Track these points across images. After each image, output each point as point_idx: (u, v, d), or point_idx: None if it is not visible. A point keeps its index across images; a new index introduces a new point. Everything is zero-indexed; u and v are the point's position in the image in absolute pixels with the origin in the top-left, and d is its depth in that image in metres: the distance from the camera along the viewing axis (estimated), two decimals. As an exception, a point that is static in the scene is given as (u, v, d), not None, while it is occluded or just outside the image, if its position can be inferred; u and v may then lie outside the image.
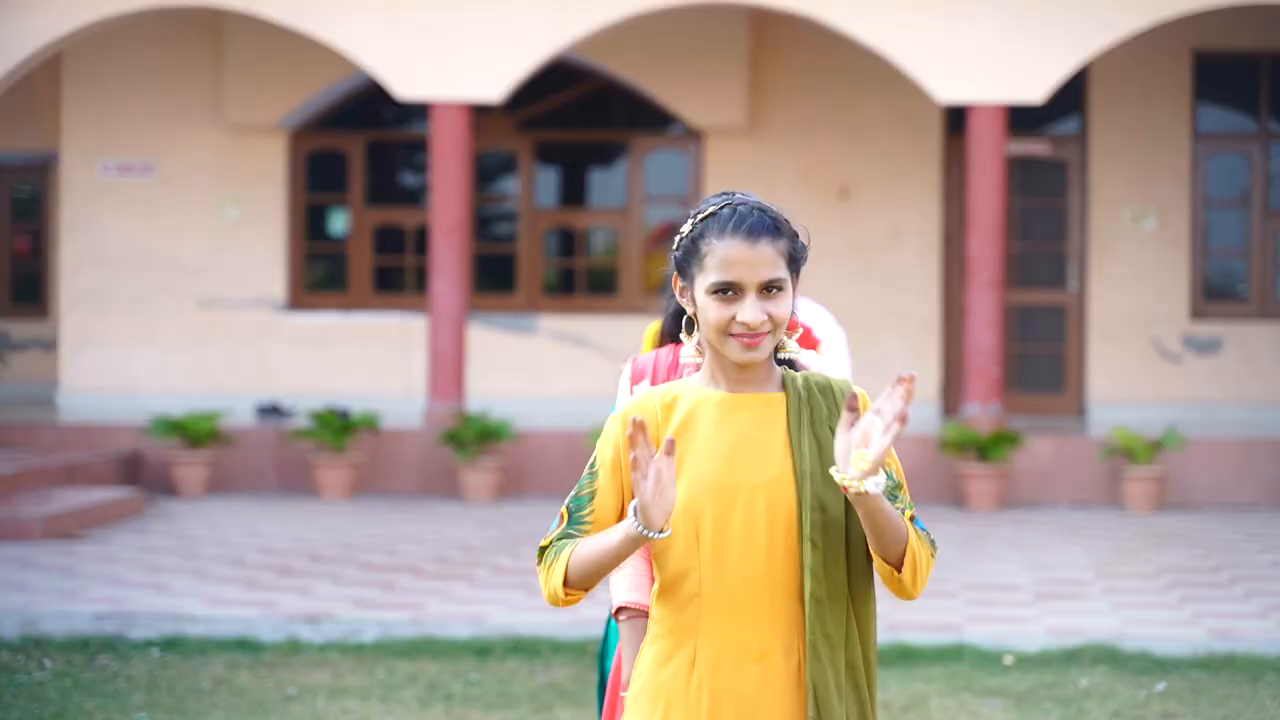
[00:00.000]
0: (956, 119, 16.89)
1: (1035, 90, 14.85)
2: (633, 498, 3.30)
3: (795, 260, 3.37)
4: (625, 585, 4.03)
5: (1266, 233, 17.48)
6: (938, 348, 17.38)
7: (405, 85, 15.21)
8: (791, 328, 4.20)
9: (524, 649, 9.15)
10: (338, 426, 14.92)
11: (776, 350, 3.47)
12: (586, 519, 3.34)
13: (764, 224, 3.34)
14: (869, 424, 3.18)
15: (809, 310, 6.35)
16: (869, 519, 3.20)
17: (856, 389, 3.37)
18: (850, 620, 3.31)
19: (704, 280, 3.32)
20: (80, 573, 11.17)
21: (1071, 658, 9.18)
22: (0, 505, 12.81)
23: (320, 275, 18.12)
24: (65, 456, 14.63)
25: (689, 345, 3.43)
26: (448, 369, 15.15)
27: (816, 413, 3.40)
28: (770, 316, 3.31)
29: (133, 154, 17.56)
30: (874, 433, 3.17)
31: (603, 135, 18.10)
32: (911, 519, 3.31)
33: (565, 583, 3.29)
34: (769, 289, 3.32)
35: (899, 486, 3.34)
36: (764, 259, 3.31)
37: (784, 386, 3.40)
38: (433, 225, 15.23)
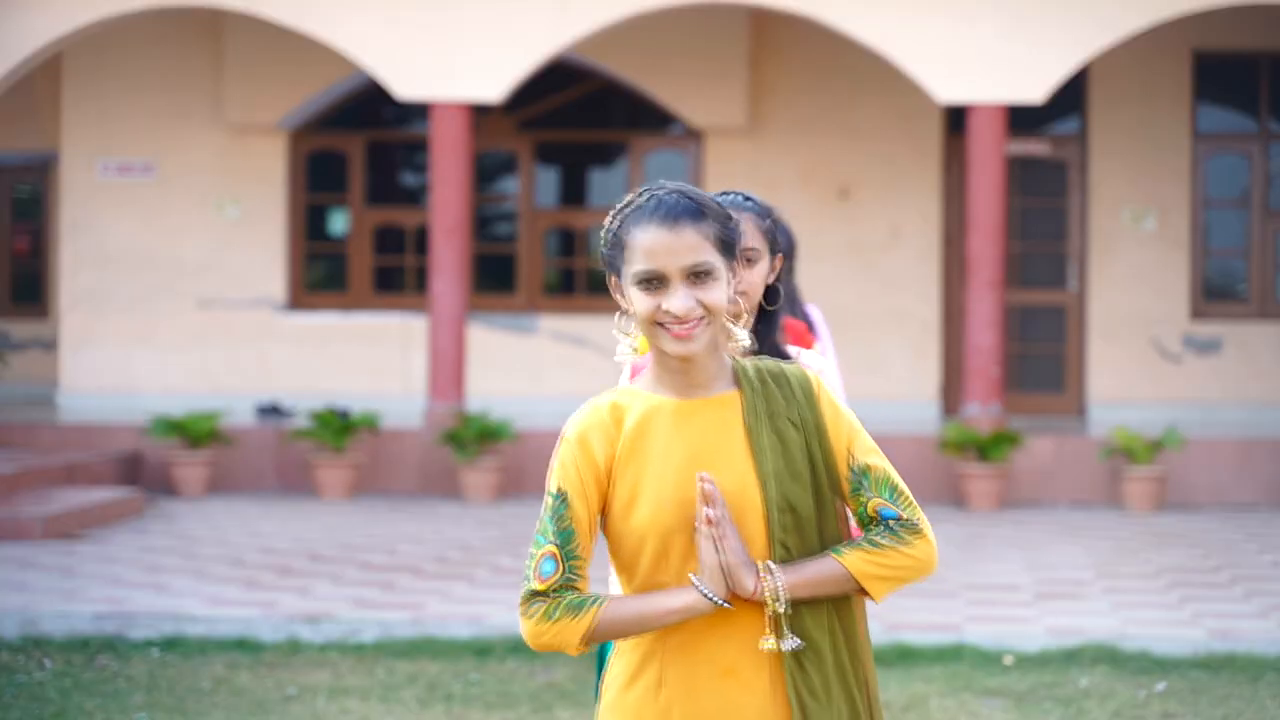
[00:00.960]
0: (956, 119, 16.89)
1: (1035, 90, 14.85)
2: (597, 524, 3.21)
3: (728, 244, 3.21)
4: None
5: (1266, 233, 17.48)
6: (938, 348, 17.38)
7: (405, 85, 15.22)
8: (789, 329, 4.19)
9: (524, 649, 9.14)
10: (338, 426, 14.92)
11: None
12: (577, 555, 3.16)
13: (684, 207, 3.18)
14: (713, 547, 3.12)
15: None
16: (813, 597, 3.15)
17: (811, 374, 3.26)
18: (833, 621, 3.19)
19: (629, 272, 3.18)
20: (80, 573, 11.17)
21: (1071, 658, 9.18)
22: (0, 505, 12.81)
23: (320, 275, 18.12)
24: (65, 456, 14.63)
25: (624, 344, 3.29)
26: (448, 369, 15.15)
27: (773, 405, 3.23)
28: (702, 304, 3.15)
29: (133, 154, 17.56)
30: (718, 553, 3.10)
31: (603, 135, 18.10)
32: (881, 521, 3.20)
33: (589, 638, 3.15)
34: (696, 275, 3.16)
35: (894, 490, 3.22)
36: (687, 244, 3.16)
37: (738, 383, 3.25)
38: (433, 225, 15.23)
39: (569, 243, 18.06)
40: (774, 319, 4.13)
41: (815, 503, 3.20)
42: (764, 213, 4.12)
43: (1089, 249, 17.34)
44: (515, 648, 9.20)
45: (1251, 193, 17.53)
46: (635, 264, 3.17)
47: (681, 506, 3.15)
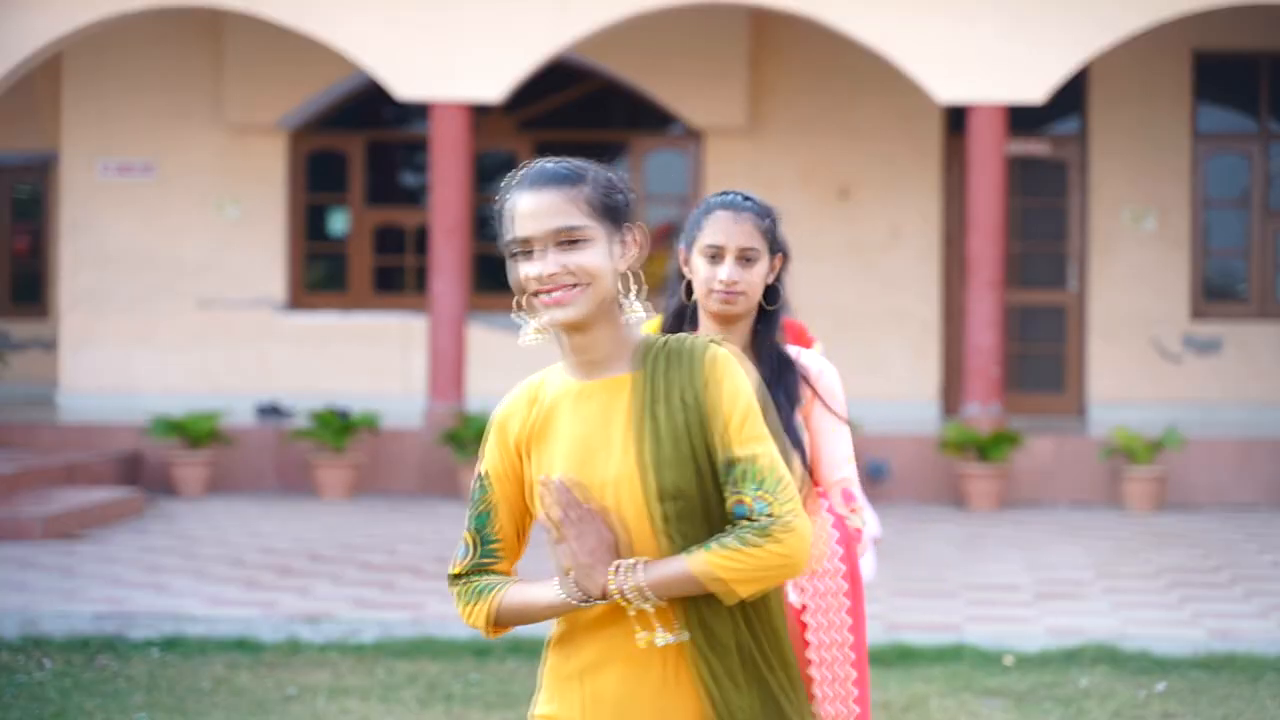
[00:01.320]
0: (956, 119, 16.88)
1: (1035, 90, 14.85)
2: (525, 510, 3.19)
3: (612, 210, 3.10)
4: None
5: (1266, 233, 17.48)
6: (938, 348, 17.38)
7: (405, 85, 15.22)
8: (788, 328, 4.17)
9: (524, 649, 9.14)
10: (338, 426, 14.92)
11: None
12: (494, 538, 3.18)
13: (553, 173, 3.09)
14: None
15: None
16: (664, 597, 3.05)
17: (722, 353, 3.09)
18: (741, 608, 3.07)
19: (506, 245, 3.09)
20: (80, 573, 11.17)
21: (1071, 658, 9.18)
22: (0, 505, 12.81)
23: (320, 275, 18.12)
24: (65, 456, 14.63)
25: (525, 328, 3.18)
26: (448, 369, 15.15)
27: (668, 386, 3.08)
28: (568, 269, 3.04)
29: (133, 154, 17.56)
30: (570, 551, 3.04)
31: (603, 135, 18.10)
32: (737, 519, 3.04)
33: (494, 623, 3.18)
34: (566, 240, 3.04)
35: (761, 483, 3.04)
36: (552, 207, 3.06)
37: (642, 362, 3.12)
38: (433, 225, 15.23)
39: (569, 243, 18.03)
40: (774, 318, 4.12)
41: (710, 488, 3.06)
42: (763, 212, 4.10)
43: (1089, 249, 17.33)
44: (515, 648, 9.20)
45: (1251, 193, 17.53)
46: (508, 233, 3.09)
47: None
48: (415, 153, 18.29)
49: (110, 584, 10.77)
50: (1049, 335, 17.64)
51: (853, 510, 4.03)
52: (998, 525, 13.80)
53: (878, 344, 17.07)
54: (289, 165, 17.75)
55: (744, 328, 4.09)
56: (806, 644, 3.90)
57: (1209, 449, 15.07)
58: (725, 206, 4.08)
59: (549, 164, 3.13)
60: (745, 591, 3.02)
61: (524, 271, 3.07)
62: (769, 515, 3.02)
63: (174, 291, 17.55)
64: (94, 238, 17.52)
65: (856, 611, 3.97)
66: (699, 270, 4.05)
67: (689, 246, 4.10)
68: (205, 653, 9.24)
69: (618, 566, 3.04)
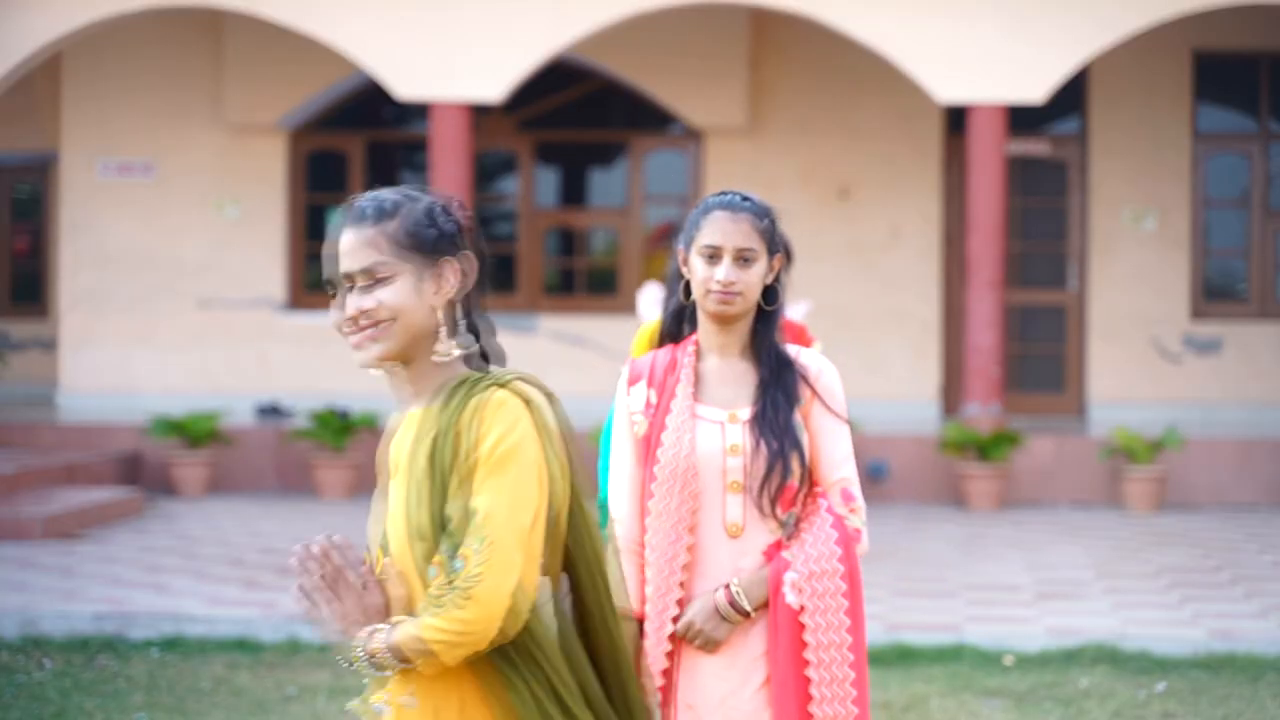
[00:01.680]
0: (956, 119, 16.88)
1: (1035, 90, 14.84)
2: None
3: (422, 244, 3.02)
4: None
5: (1266, 233, 17.48)
6: (938, 348, 17.38)
7: (405, 85, 15.21)
8: (786, 329, 4.17)
9: (524, 649, 9.13)
10: (338, 426, 14.92)
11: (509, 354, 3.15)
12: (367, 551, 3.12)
13: (358, 211, 3.04)
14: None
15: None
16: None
17: (505, 391, 3.00)
18: (524, 646, 2.95)
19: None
20: (80, 573, 11.17)
21: (1071, 658, 9.18)
22: (0, 505, 12.81)
23: (320, 275, 18.07)
24: (65, 456, 14.63)
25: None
26: (448, 369, 15.13)
27: (438, 424, 2.98)
28: (363, 310, 2.99)
29: (133, 154, 17.56)
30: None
31: (603, 135, 18.10)
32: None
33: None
34: (368, 278, 2.99)
35: (460, 546, 2.92)
36: (350, 248, 3.01)
37: (438, 396, 3.04)
38: (433, 225, 15.20)
39: (569, 243, 18.06)
40: (773, 319, 4.12)
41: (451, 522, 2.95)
42: (762, 213, 4.08)
43: (1089, 249, 17.33)
44: (515, 648, 9.19)
45: (1251, 193, 17.52)
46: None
47: (378, 523, 3.09)
48: (415, 153, 18.29)
49: (110, 584, 10.76)
50: (1049, 335, 17.63)
51: (852, 510, 4.03)
52: (998, 525, 13.80)
53: (878, 344, 17.06)
54: (289, 165, 17.75)
55: (743, 328, 4.08)
56: (804, 645, 3.90)
57: (1209, 449, 15.07)
58: (723, 207, 4.07)
59: (360, 201, 3.06)
60: (450, 659, 2.92)
61: (331, 313, 3.06)
62: (459, 579, 2.90)
63: (174, 291, 17.55)
64: (94, 238, 17.52)
65: (855, 612, 3.97)
66: (696, 270, 4.04)
67: (688, 246, 4.09)
68: (205, 653, 9.24)
69: (372, 632, 2.96)
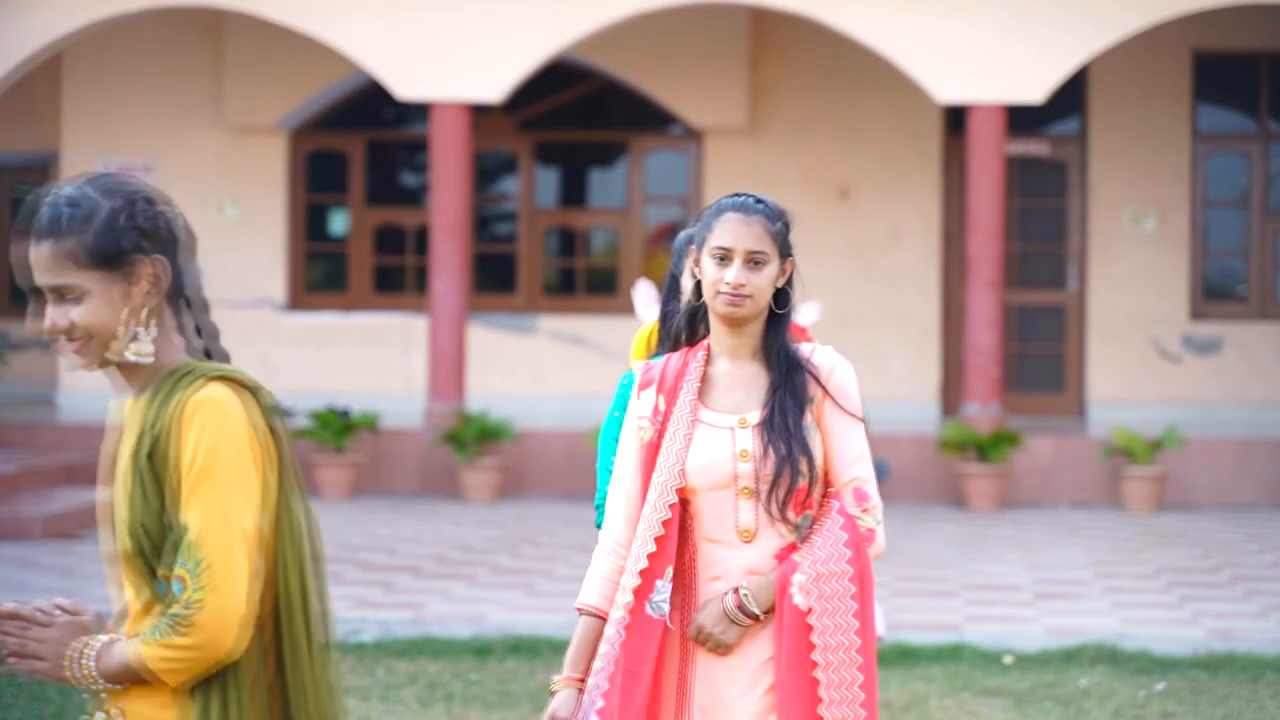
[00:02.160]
0: (956, 119, 16.88)
1: (1035, 90, 14.85)
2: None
3: (106, 256, 2.98)
4: (592, 589, 3.98)
5: (1266, 233, 17.48)
6: (938, 348, 17.38)
7: (405, 85, 15.22)
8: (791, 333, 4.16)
9: (524, 649, 9.15)
10: (338, 426, 14.92)
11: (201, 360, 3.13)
12: None
13: (41, 223, 3.02)
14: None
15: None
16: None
17: (209, 390, 2.99)
18: (249, 659, 2.93)
19: None
20: (80, 573, 11.18)
21: (1071, 658, 9.18)
22: (0, 505, 12.81)
23: (320, 275, 18.12)
24: (65, 456, 14.63)
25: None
26: (448, 369, 15.15)
27: (145, 419, 2.97)
28: (57, 325, 3.00)
29: (133, 154, 17.56)
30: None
31: (603, 135, 18.10)
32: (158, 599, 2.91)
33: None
34: (60, 295, 3.00)
35: (189, 563, 2.87)
36: (42, 261, 3.03)
37: (151, 388, 3.04)
38: (433, 225, 15.23)
39: (569, 243, 18.06)
40: (783, 322, 4.10)
41: (153, 542, 2.93)
42: (775, 216, 4.05)
43: (1089, 249, 17.33)
44: (515, 648, 9.20)
45: (1251, 193, 17.53)
46: None
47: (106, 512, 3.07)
48: (415, 153, 18.29)
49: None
50: (1049, 335, 17.64)
51: (865, 510, 4.00)
52: (998, 525, 13.81)
53: (878, 344, 17.07)
54: (289, 165, 17.75)
55: (753, 331, 4.06)
56: (812, 646, 3.89)
57: (1209, 449, 15.07)
58: (736, 209, 4.03)
59: (43, 206, 3.01)
60: (175, 682, 2.89)
61: (29, 320, 3.08)
62: (181, 604, 2.87)
63: (174, 291, 17.53)
64: (94, 238, 17.50)
65: (865, 614, 3.95)
66: (708, 271, 4.01)
67: (700, 247, 4.06)
68: (205, 653, 9.23)
69: (80, 649, 2.93)
